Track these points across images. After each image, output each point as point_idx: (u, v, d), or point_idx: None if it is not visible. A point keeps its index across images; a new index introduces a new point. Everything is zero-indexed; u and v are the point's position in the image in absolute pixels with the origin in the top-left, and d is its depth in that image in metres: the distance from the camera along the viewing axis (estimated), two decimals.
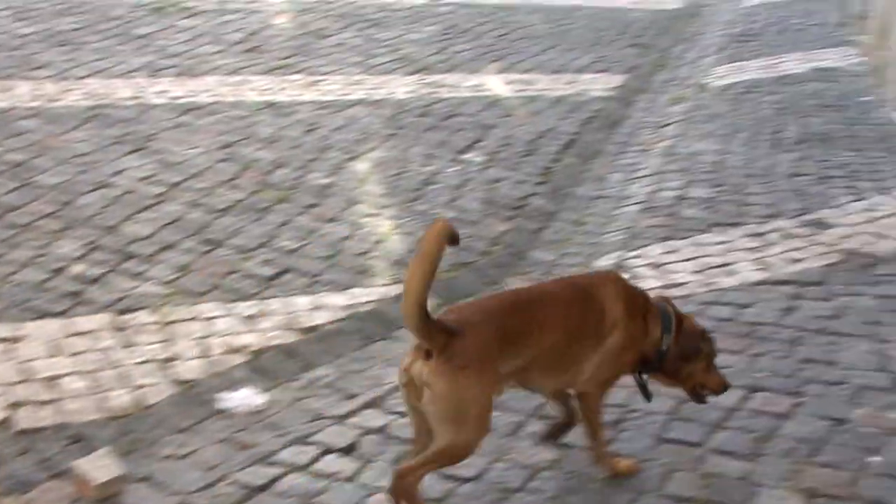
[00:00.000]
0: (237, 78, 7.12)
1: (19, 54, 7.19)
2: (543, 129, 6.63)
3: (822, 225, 4.94)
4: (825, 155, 6.06)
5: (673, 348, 2.99)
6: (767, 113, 7.05)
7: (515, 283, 4.59)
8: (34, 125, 5.83)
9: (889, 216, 5.04)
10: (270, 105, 6.60)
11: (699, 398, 3.12)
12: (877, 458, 3.03)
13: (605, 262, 4.70)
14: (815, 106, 7.18)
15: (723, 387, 3.10)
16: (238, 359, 3.79)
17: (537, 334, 2.93)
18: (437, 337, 2.74)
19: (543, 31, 9.44)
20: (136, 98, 6.48)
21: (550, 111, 7.03)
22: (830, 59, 8.64)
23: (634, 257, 4.68)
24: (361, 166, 5.74)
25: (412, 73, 7.61)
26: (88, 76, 6.84)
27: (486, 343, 2.81)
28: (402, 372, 2.84)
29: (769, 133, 6.56)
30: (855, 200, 5.30)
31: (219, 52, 7.79)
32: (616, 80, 8.05)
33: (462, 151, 6.09)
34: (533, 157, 6.12)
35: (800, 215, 5.09)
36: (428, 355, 2.76)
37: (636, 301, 3.09)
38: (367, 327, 4.17)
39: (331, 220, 5.03)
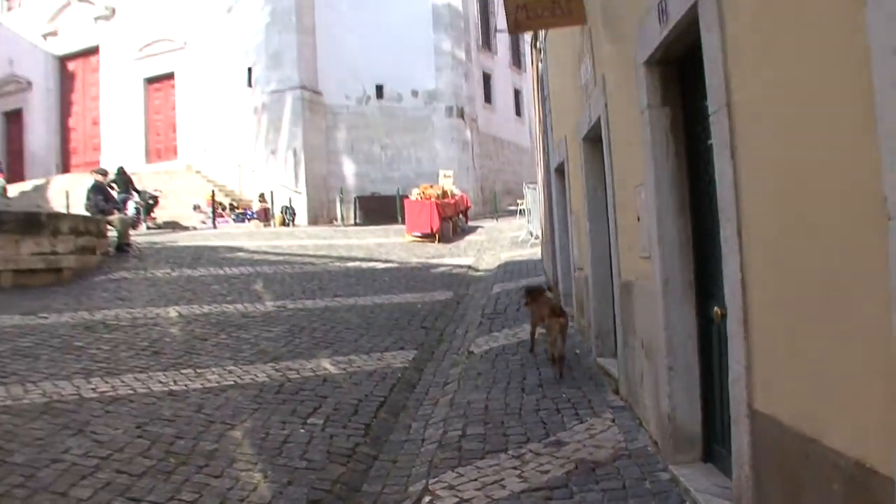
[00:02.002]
0: (145, 374, 6.89)
1: None
2: (363, 395, 6.67)
3: (560, 444, 5.10)
4: (556, 393, 6.32)
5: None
6: (515, 367, 7.32)
7: None
8: (6, 419, 5.51)
9: (602, 432, 5.28)
10: (170, 393, 6.39)
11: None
12: None
13: (415, 489, 4.68)
14: (545, 360, 7.50)
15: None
16: None
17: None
18: (559, 311, 6.70)
19: (357, 323, 9.64)
20: (75, 394, 6.20)
21: (367, 381, 7.09)
22: None
23: (435, 482, 4.66)
24: (237, 434, 5.57)
25: (268, 362, 7.56)
26: (43, 379, 6.54)
27: (562, 309, 6.87)
28: (552, 321, 6.80)
29: (518, 382, 6.80)
30: (579, 423, 5.52)
31: (132, 355, 7.56)
32: (410, 354, 8.24)
33: (307, 417, 6.02)
34: (357, 416, 6.12)
35: (544, 438, 5.24)
36: (554, 314, 6.71)
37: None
38: None
39: (218, 475, 4.82)
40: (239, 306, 10.43)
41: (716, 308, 3.73)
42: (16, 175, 29.84)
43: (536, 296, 7.63)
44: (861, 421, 2.17)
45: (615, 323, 6.21)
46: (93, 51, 31.75)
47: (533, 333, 7.74)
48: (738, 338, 3.10)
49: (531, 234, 19.47)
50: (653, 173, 4.37)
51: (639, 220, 4.88)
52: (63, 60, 32.77)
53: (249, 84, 27.97)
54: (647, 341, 4.88)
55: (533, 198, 19.43)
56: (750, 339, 3.04)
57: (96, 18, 31.37)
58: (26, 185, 28.13)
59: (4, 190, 19.12)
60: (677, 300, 4.30)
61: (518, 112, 38.07)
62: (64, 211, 20.35)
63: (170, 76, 30.05)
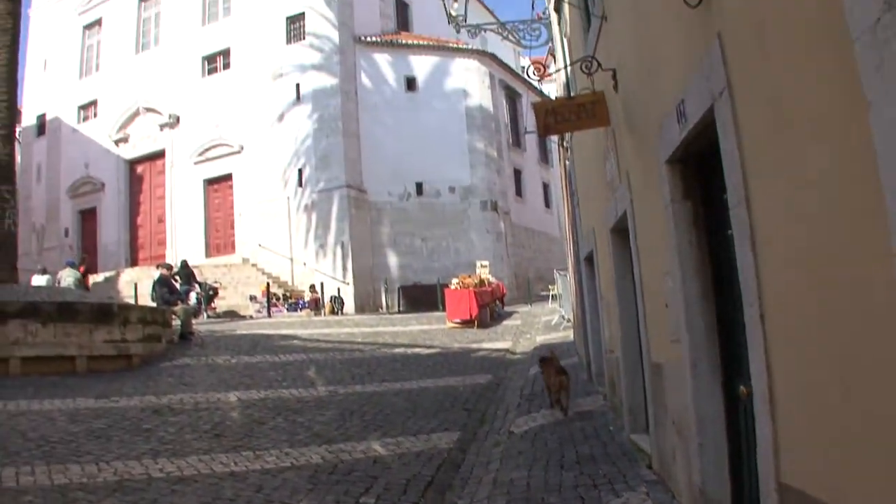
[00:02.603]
0: (209, 456, 6.94)
1: (73, 446, 7.06)
2: (411, 475, 6.59)
3: None
4: (593, 470, 6.21)
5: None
6: (553, 446, 7.23)
7: None
8: (81, 496, 5.54)
9: None
10: (231, 474, 6.41)
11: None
12: None
13: None
14: (582, 437, 7.44)
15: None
16: None
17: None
18: (562, 371, 8.53)
19: (404, 406, 9.62)
20: (144, 473, 6.26)
21: (415, 461, 7.03)
22: (587, 404, 9.07)
23: None
24: None
25: (322, 444, 7.55)
26: (115, 459, 6.65)
27: (563, 369, 8.59)
28: (556, 378, 8.69)
29: (556, 459, 6.70)
30: (615, 498, 5.41)
31: (196, 438, 7.65)
32: (454, 435, 8.16)
33: (360, 496, 5.95)
34: (406, 495, 6.04)
35: None
36: (559, 373, 8.71)
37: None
38: None
39: None
40: (294, 391, 10.47)
41: (742, 387, 3.72)
42: (90, 267, 30.59)
43: (547, 363, 9.14)
44: (882, 492, 2.17)
45: (646, 401, 6.16)
46: (159, 155, 33.03)
47: (548, 389, 9.17)
48: (765, 416, 3.09)
49: (563, 317, 19.39)
50: (678, 263, 4.43)
51: (666, 306, 4.91)
52: (132, 164, 34.13)
53: (300, 184, 28.74)
54: (677, 419, 4.84)
55: (563, 283, 19.45)
56: (776, 417, 3.03)
57: (162, 126, 32.70)
58: (98, 277, 28.88)
59: (80, 281, 19.61)
60: (705, 381, 4.28)
61: (547, 204, 38.43)
62: (132, 301, 20.79)
63: (227, 177, 31.02)
